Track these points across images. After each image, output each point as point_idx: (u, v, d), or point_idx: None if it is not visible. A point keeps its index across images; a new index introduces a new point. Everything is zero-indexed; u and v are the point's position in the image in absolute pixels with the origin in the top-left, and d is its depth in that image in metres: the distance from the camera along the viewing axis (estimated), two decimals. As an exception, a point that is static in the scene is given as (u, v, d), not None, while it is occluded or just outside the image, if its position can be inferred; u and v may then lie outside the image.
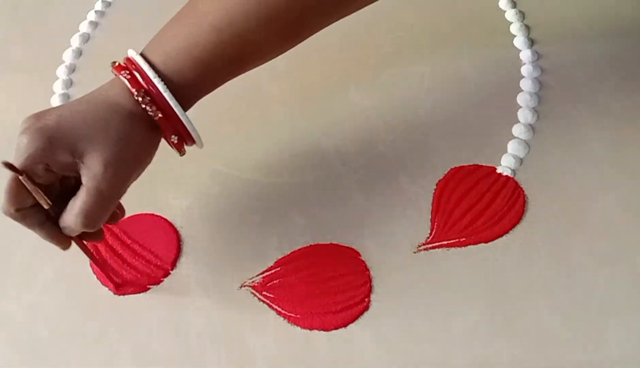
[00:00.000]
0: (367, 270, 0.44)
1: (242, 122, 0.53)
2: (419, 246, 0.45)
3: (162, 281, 0.45)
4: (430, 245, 0.45)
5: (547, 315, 0.42)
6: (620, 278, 0.43)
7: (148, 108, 0.37)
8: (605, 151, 0.48)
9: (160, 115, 0.37)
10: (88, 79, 0.57)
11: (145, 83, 0.37)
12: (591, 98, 0.51)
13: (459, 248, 0.45)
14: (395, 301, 0.43)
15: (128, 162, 0.37)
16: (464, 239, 0.45)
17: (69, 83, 0.57)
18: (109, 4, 0.63)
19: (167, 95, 0.37)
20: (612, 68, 0.53)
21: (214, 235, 0.47)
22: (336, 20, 0.41)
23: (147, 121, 0.38)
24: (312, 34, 0.41)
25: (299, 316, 0.42)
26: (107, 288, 0.45)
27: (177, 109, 0.37)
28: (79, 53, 0.59)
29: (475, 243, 0.45)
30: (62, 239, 0.38)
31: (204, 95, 0.40)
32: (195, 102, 0.40)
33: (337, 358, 0.41)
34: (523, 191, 0.47)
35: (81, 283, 0.45)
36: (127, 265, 0.45)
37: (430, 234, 0.46)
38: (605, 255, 0.44)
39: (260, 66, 0.56)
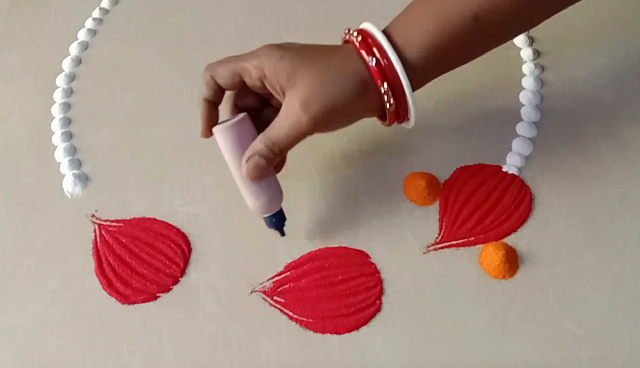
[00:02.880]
0: (378, 271, 0.44)
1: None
2: (429, 246, 0.45)
3: (171, 288, 0.44)
4: (440, 245, 0.45)
5: (558, 311, 0.42)
6: (629, 273, 0.43)
7: (388, 104, 0.39)
8: (609, 146, 0.49)
9: (394, 108, 0.39)
10: (88, 87, 0.57)
11: (391, 76, 0.38)
12: (593, 94, 0.52)
13: (468, 248, 0.45)
14: (407, 302, 0.43)
15: (329, 103, 0.38)
16: (472, 238, 0.45)
17: (69, 92, 0.56)
18: (107, 11, 0.62)
19: (407, 91, 0.38)
20: (613, 64, 0.53)
21: (222, 241, 0.46)
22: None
23: (372, 92, 0.39)
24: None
25: (311, 320, 0.42)
26: (114, 299, 0.44)
27: (412, 106, 0.39)
28: (78, 61, 0.58)
29: (484, 242, 0.45)
30: (207, 127, 0.42)
31: (430, 69, 0.41)
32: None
33: (350, 361, 0.41)
34: (530, 189, 0.47)
35: (89, 293, 0.45)
36: (135, 274, 0.45)
37: (439, 234, 0.46)
38: (613, 251, 0.44)
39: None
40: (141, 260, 0.45)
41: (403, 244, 0.45)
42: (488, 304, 0.42)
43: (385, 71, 0.38)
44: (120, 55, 0.59)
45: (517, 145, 0.49)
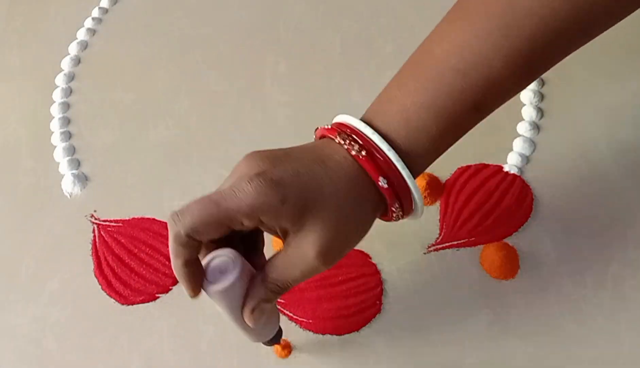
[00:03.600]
0: (378, 272, 0.44)
1: (245, 126, 0.52)
2: (429, 247, 0.45)
3: (171, 289, 0.44)
4: (440, 246, 0.45)
5: (559, 311, 0.42)
6: (629, 274, 0.43)
7: (396, 218, 0.34)
8: (610, 146, 0.49)
9: (400, 213, 0.34)
10: (87, 87, 0.56)
11: (387, 169, 0.32)
12: (593, 94, 0.52)
13: (469, 248, 0.45)
14: (408, 303, 0.43)
15: (347, 247, 0.33)
16: (473, 238, 0.45)
17: (69, 91, 0.56)
18: (106, 10, 0.62)
19: (410, 183, 0.33)
20: (614, 63, 0.53)
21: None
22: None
23: (375, 202, 0.33)
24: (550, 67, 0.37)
25: (311, 321, 0.42)
26: (113, 300, 0.44)
27: (416, 193, 0.33)
28: (77, 61, 0.58)
29: (485, 243, 0.45)
30: (195, 286, 0.33)
31: (433, 161, 0.36)
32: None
33: (351, 362, 0.41)
34: (531, 189, 0.47)
35: (88, 294, 0.44)
36: (135, 274, 0.45)
37: (440, 234, 0.45)
38: (613, 251, 0.44)
39: (262, 69, 0.56)
40: (140, 260, 0.45)
41: (404, 244, 0.45)
42: (489, 304, 0.42)
43: (398, 191, 0.33)
44: (119, 54, 0.59)
45: (518, 145, 0.49)
